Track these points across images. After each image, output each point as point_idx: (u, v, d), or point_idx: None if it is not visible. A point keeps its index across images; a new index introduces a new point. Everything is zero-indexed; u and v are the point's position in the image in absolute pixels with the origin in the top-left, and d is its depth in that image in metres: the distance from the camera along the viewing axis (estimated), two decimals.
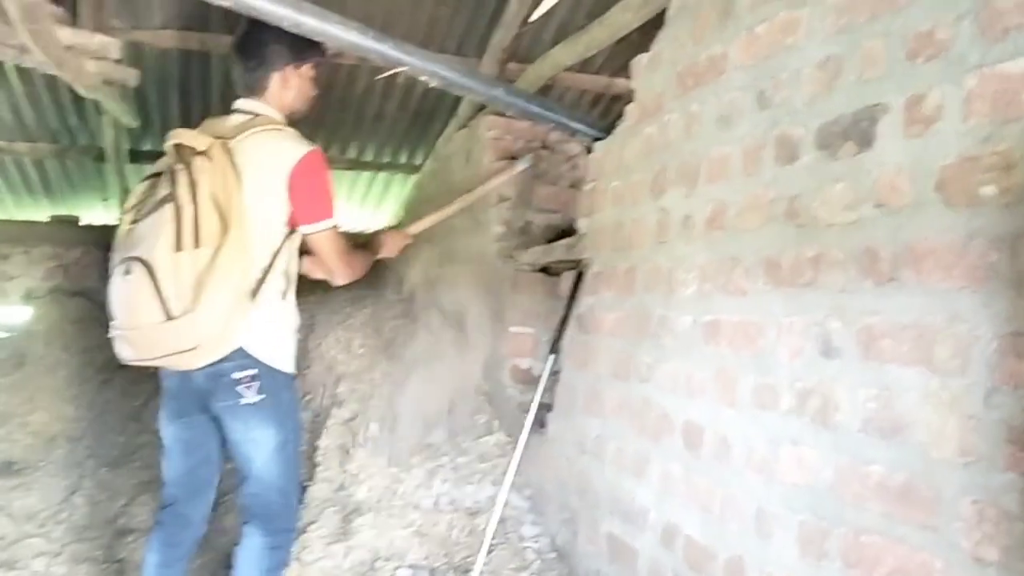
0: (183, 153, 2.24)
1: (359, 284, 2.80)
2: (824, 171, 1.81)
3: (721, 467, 2.11)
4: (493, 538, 3.01)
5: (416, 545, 3.02)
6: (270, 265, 2.28)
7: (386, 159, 5.68)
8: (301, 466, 3.64)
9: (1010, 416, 1.33)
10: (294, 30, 2.37)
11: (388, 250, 2.88)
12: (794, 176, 1.91)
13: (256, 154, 2.24)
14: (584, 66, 4.25)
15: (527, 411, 3.21)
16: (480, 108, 4.30)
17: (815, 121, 1.85)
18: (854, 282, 1.70)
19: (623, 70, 2.99)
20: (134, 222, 2.24)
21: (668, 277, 2.43)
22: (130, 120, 4.32)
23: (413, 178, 5.87)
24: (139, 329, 2.15)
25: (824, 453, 1.74)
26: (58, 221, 5.82)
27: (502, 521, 3.15)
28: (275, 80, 2.42)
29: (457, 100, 4.64)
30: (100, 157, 5.16)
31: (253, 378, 2.25)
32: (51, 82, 4.16)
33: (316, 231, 2.35)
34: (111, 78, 3.38)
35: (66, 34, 2.96)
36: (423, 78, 2.68)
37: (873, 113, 1.67)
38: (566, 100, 4.67)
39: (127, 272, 2.15)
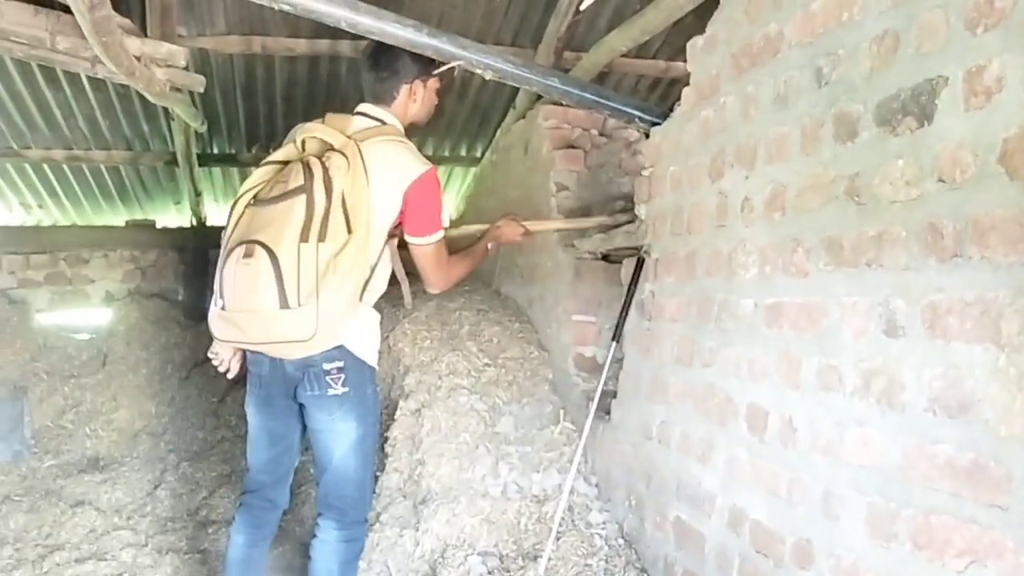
0: (314, 147, 2.33)
1: None
2: (884, 147, 1.78)
3: (786, 450, 2.09)
4: (561, 525, 3.03)
5: (485, 533, 3.05)
6: (374, 267, 2.36)
7: (445, 152, 5.73)
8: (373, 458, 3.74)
9: None
10: (351, 30, 2.43)
11: (504, 240, 2.94)
12: (854, 154, 1.88)
13: (381, 162, 2.30)
14: (640, 51, 4.22)
15: (591, 399, 3.23)
16: (537, 98, 4.31)
17: (874, 97, 1.82)
18: (917, 259, 1.67)
19: (680, 54, 2.96)
20: (252, 206, 2.31)
21: (728, 261, 2.42)
22: (198, 124, 4.46)
23: (473, 171, 5.91)
24: (254, 313, 2.20)
25: (890, 434, 1.72)
26: (134, 225, 6.04)
27: (569, 508, 3.17)
28: (403, 91, 2.51)
29: (515, 91, 4.66)
30: (172, 161, 5.33)
31: (340, 370, 2.30)
32: (123, 91, 4.31)
33: (422, 244, 2.42)
34: (179, 84, 3.49)
35: (135, 44, 3.06)
36: (478, 71, 2.71)
37: (933, 86, 1.64)
38: (623, 87, 4.65)
39: (247, 256, 2.20)
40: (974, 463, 1.49)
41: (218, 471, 4.37)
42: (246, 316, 2.23)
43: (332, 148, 2.29)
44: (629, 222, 3.16)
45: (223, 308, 2.28)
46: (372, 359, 2.42)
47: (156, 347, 5.29)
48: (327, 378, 2.30)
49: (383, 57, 2.51)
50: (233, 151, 5.44)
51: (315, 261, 2.15)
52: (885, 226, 1.77)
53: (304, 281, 2.14)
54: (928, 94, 1.65)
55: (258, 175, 2.39)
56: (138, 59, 3.08)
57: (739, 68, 2.43)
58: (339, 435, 2.37)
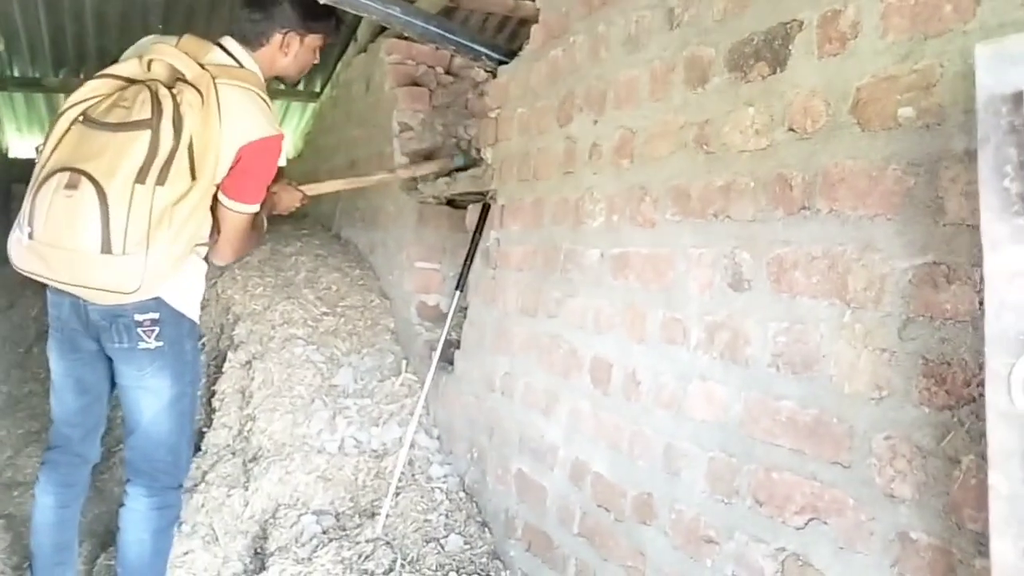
0: (162, 71, 2.06)
1: None
2: (735, 94, 1.72)
3: (630, 404, 2.05)
4: (400, 480, 2.94)
5: (320, 491, 2.91)
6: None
7: (281, 86, 5.39)
8: (199, 413, 3.49)
9: (925, 349, 1.28)
10: None
11: (281, 208, 2.68)
12: (704, 100, 1.82)
13: (234, 109, 2.06)
14: None
15: (434, 349, 3.12)
16: (380, 31, 4.07)
17: (726, 41, 1.75)
18: (765, 211, 1.63)
19: None
20: (80, 124, 2.02)
21: (576, 208, 2.34)
22: None
23: (311, 107, 5.61)
24: (66, 251, 1.94)
25: (734, 389, 1.69)
26: None
27: (410, 462, 3.07)
28: (275, 40, 2.27)
29: (356, 22, 4.40)
30: None
31: (154, 322, 2.08)
32: None
33: (234, 210, 2.18)
34: None
35: None
36: None
37: (787, 31, 1.58)
38: (470, 24, 4.47)
39: (70, 186, 1.93)
40: (817, 420, 1.47)
41: (24, 428, 3.99)
42: (57, 252, 1.95)
43: (184, 79, 2.03)
44: (431, 178, 3.04)
45: (30, 236, 1.99)
46: (193, 312, 2.20)
47: None
48: (139, 330, 2.07)
49: None
50: (37, 75, 4.91)
51: (149, 206, 1.92)
52: (733, 176, 1.72)
53: (133, 227, 1.91)
54: (782, 39, 1.59)
55: (91, 87, 2.08)
56: None
57: (590, 6, 2.32)
58: (150, 393, 2.15)
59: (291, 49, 2.30)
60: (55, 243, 1.96)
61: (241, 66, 2.21)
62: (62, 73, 4.86)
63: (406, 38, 3.51)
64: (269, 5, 2.26)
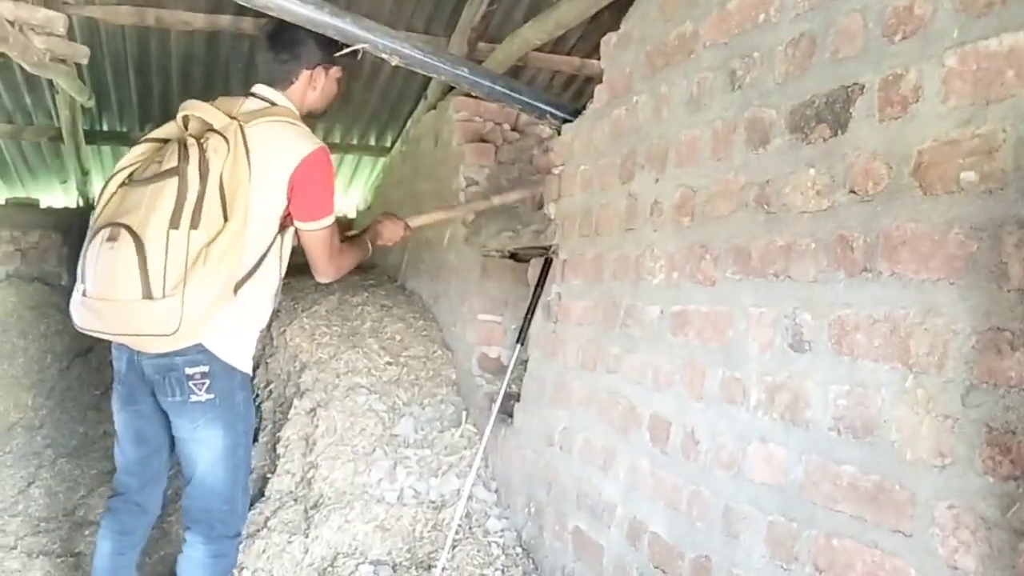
0: (195, 127, 2.17)
1: None
2: (796, 155, 1.72)
3: (688, 463, 2.03)
4: (457, 532, 2.93)
5: (378, 541, 2.93)
6: (259, 262, 2.18)
7: (354, 140, 5.56)
8: (264, 459, 3.56)
9: (988, 416, 1.25)
10: (246, 3, 2.26)
11: (385, 239, 2.77)
12: (765, 161, 1.82)
13: (265, 145, 2.14)
14: (556, 47, 4.15)
15: (494, 401, 3.13)
16: (449, 89, 4.18)
17: (787, 103, 1.76)
18: (826, 272, 1.61)
19: (596, 51, 2.89)
20: (125, 185, 2.13)
21: (636, 265, 2.35)
22: (85, 99, 4.17)
23: (382, 160, 5.74)
24: (113, 302, 2.03)
25: (794, 452, 1.66)
26: (15, 204, 5.67)
27: (468, 515, 3.07)
28: (303, 77, 2.36)
29: (426, 81, 4.53)
30: (57, 137, 4.99)
31: (204, 375, 2.12)
32: (2, 60, 3.99)
33: (310, 230, 2.26)
34: (60, 55, 3.22)
35: (7, 8, 2.80)
36: (384, 56, 2.57)
37: (848, 94, 1.58)
38: (538, 82, 4.56)
39: (111, 239, 2.03)
40: (878, 486, 1.44)
41: (98, 468, 4.14)
42: (106, 305, 2.04)
43: (213, 129, 2.12)
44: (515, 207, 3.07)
45: (84, 294, 2.10)
46: (243, 363, 2.24)
47: (35, 335, 5.00)
48: (190, 383, 2.12)
49: (284, 37, 2.34)
50: (124, 129, 5.14)
51: (185, 250, 1.99)
52: (794, 236, 1.71)
53: (171, 270, 1.98)
54: (843, 101, 1.59)
55: (135, 153, 2.23)
56: (12, 24, 2.82)
57: (653, 67, 2.35)
58: (203, 445, 2.20)
59: (319, 83, 2.39)
60: (104, 296, 2.05)
61: (275, 105, 2.29)
62: (148, 128, 5.05)
63: (474, 96, 3.59)
64: (295, 45, 2.34)
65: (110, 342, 2.26)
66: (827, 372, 1.59)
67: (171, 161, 2.07)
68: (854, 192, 1.55)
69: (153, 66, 4.37)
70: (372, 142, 5.61)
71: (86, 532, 3.51)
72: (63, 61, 3.40)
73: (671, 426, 2.12)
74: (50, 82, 4.17)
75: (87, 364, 4.85)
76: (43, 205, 5.73)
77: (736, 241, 1.90)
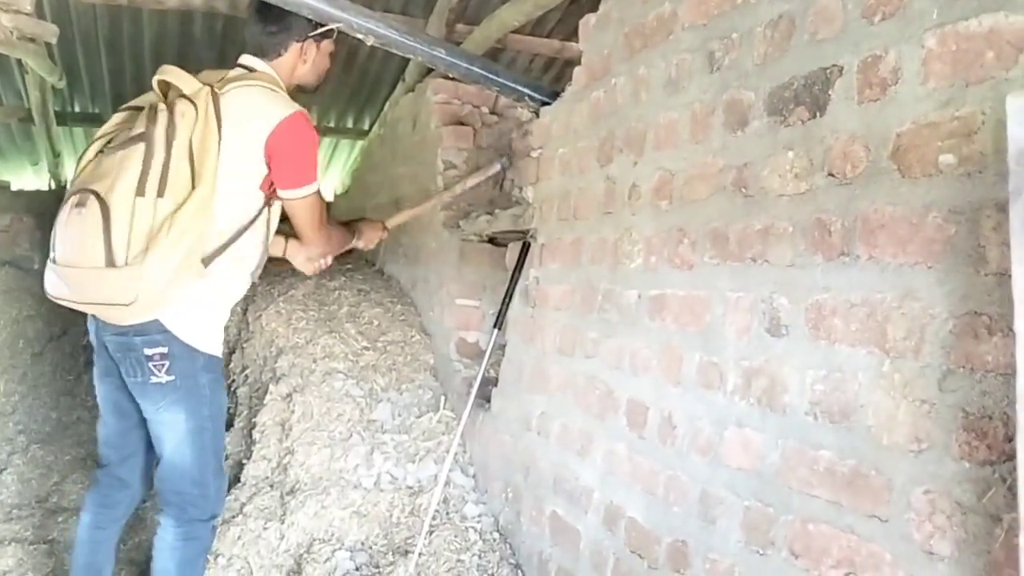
0: (168, 92, 2.12)
1: None
2: (774, 138, 1.70)
3: (665, 448, 2.02)
4: (435, 518, 2.92)
5: (355, 527, 2.91)
6: (236, 235, 2.14)
7: (331, 123, 5.49)
8: (240, 445, 3.52)
9: (965, 401, 1.24)
10: None
11: (365, 241, 2.74)
12: (744, 143, 1.81)
13: (238, 110, 2.09)
14: (535, 29, 4.12)
15: (472, 386, 3.11)
16: (428, 72, 4.13)
17: (766, 85, 1.74)
18: (803, 256, 1.60)
19: (576, 33, 2.86)
20: (100, 153, 2.10)
21: (614, 249, 2.33)
22: (56, 79, 4.09)
23: (360, 144, 5.69)
24: (78, 269, 1.99)
25: (771, 436, 1.66)
26: None
27: (445, 500, 3.05)
28: (293, 49, 2.31)
29: (404, 63, 4.48)
30: (28, 119, 4.91)
31: (163, 356, 2.08)
32: None
33: (295, 197, 2.20)
34: (28, 33, 3.15)
35: None
36: (359, 35, 2.52)
37: (826, 76, 1.57)
38: (517, 64, 4.53)
39: (79, 205, 1.99)
40: (854, 471, 1.43)
41: (72, 454, 4.07)
42: (71, 272, 2.01)
43: (183, 95, 2.07)
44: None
45: (53, 261, 2.06)
46: (207, 345, 2.18)
47: (7, 320, 4.88)
48: (149, 364, 2.08)
49: (275, 8, 2.28)
50: (96, 110, 5.06)
51: (151, 217, 1.95)
52: (772, 220, 1.70)
53: (135, 238, 1.94)
54: (822, 84, 1.58)
55: (114, 120, 2.19)
56: None
57: (631, 49, 2.33)
58: (167, 427, 2.17)
59: (309, 56, 2.35)
60: (70, 262, 2.02)
61: (254, 71, 2.25)
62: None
63: (452, 78, 3.55)
64: (285, 16, 2.29)
65: (85, 326, 2.23)
66: (804, 357, 1.58)
67: (139, 127, 2.04)
68: (832, 175, 1.54)
69: (125, 46, 4.29)
70: (349, 125, 5.55)
71: (59, 519, 3.46)
72: (32, 40, 3.32)
73: (648, 411, 2.11)
74: (19, 62, 4.09)
75: (60, 349, 4.78)
76: (14, 188, 5.62)
77: (714, 225, 1.89)
